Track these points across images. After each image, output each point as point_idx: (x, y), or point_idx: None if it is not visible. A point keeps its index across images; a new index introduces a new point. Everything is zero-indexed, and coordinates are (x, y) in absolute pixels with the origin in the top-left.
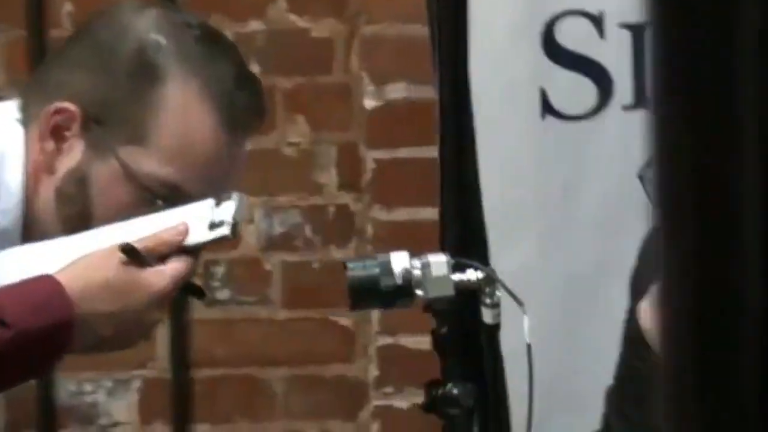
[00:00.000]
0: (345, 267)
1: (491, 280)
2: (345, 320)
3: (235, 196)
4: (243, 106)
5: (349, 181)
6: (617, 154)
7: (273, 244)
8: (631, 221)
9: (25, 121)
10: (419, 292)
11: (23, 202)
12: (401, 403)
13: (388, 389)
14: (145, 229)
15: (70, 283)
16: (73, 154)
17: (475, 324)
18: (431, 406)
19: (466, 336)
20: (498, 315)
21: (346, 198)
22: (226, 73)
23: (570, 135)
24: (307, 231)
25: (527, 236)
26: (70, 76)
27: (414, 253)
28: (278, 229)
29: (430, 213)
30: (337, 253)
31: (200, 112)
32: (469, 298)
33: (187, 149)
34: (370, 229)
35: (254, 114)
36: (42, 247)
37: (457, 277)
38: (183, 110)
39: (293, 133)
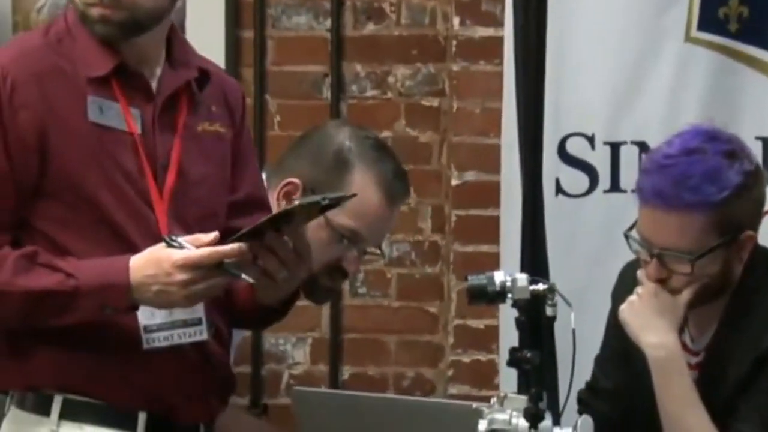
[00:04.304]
0: (466, 278)
1: (552, 289)
2: (433, 309)
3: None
4: (398, 188)
5: (438, 227)
6: (600, 221)
7: (392, 262)
8: (609, 263)
9: (269, 188)
10: (509, 295)
11: None
12: (466, 359)
13: (459, 350)
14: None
15: (134, 261)
16: None
17: (540, 315)
18: (513, 362)
19: (535, 321)
20: (555, 310)
21: (436, 237)
22: (388, 168)
23: (571, 207)
24: (413, 255)
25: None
26: (296, 162)
27: (503, 272)
28: (395, 253)
29: (487, 248)
30: (429, 270)
31: (373, 191)
32: (538, 299)
33: (364, 211)
34: (452, 257)
35: (404, 194)
36: None
37: (531, 287)
38: (363, 188)
39: (410, 199)
